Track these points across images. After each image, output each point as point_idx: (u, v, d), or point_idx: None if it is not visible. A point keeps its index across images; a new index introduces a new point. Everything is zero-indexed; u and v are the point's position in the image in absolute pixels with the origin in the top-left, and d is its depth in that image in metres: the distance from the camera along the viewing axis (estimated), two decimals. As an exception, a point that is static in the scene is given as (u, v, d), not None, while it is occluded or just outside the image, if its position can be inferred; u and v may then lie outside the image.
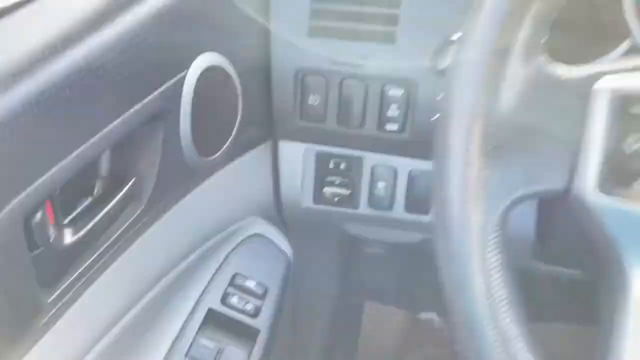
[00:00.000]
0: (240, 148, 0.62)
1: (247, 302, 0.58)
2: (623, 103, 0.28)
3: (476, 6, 0.29)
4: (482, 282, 0.29)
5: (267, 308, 0.59)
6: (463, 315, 0.30)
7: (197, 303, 0.57)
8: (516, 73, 0.28)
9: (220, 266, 0.60)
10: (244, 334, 0.57)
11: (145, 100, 0.44)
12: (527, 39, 0.29)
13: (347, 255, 0.75)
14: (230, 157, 0.60)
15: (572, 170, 0.30)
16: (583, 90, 0.29)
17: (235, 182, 0.63)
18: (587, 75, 0.30)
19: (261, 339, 0.57)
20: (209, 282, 0.58)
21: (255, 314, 0.58)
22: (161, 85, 0.46)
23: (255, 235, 0.64)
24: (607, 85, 0.29)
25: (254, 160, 0.64)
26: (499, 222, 0.29)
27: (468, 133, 0.28)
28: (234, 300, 0.58)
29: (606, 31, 0.53)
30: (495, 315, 0.30)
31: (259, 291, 0.59)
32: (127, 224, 0.48)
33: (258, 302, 0.59)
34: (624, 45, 0.51)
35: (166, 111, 0.48)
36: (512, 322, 0.30)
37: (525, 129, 0.29)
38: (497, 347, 0.30)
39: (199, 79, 0.49)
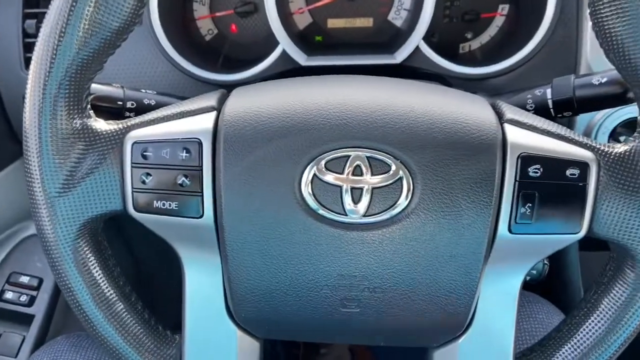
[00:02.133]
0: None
1: (21, 295, 0.69)
2: (143, 149, 0.41)
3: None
4: (75, 268, 0.41)
5: (42, 296, 0.71)
6: (71, 294, 0.42)
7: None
8: (65, 127, 0.39)
9: (-3, 268, 0.71)
10: (20, 320, 0.69)
11: None
12: (70, 105, 0.39)
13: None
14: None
15: (124, 193, 0.42)
16: (119, 139, 0.41)
17: (2, 193, 0.72)
18: (120, 128, 0.42)
19: (36, 322, 0.69)
20: (-15, 284, 0.69)
21: (30, 303, 0.70)
22: None
23: (32, 235, 0.75)
24: (133, 135, 0.41)
25: (19, 170, 0.74)
26: (78, 235, 0.41)
27: (37, 173, 0.40)
28: (8, 295, 0.69)
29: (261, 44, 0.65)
30: (96, 289, 0.42)
31: (33, 283, 0.71)
32: None
33: (33, 293, 0.70)
34: (275, 53, 0.64)
35: None
36: (114, 293, 0.43)
37: (74, 174, 0.40)
38: (103, 309, 0.43)
39: None
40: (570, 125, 0.62)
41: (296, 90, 0.43)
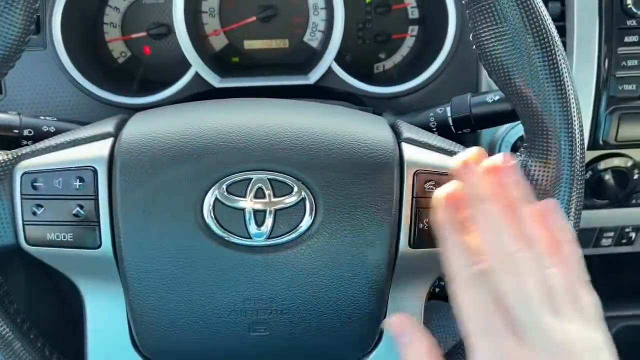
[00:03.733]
0: None
1: None
2: (32, 179, 0.39)
3: None
4: None
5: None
6: None
7: None
8: None
9: None
10: None
11: None
12: None
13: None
14: None
15: (15, 226, 0.40)
16: (8, 170, 0.40)
17: None
18: (9, 159, 0.40)
19: None
20: None
21: None
22: None
23: None
24: (23, 165, 0.40)
25: None
26: None
27: None
28: None
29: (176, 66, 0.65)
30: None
31: None
32: None
33: None
34: (188, 75, 0.64)
35: None
36: (9, 332, 0.41)
37: None
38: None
39: None
40: (475, 140, 0.65)
41: (197, 114, 0.43)
